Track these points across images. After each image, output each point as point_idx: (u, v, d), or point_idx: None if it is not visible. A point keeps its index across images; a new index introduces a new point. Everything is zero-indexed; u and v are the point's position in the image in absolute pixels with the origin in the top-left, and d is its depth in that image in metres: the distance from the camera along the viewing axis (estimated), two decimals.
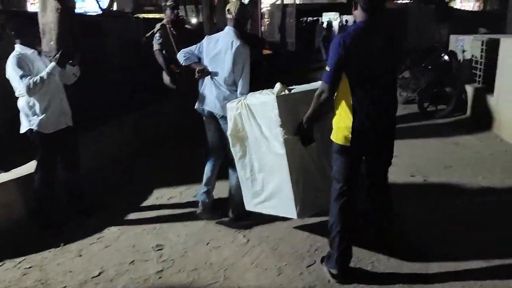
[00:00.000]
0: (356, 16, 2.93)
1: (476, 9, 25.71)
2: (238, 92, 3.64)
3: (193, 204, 4.30)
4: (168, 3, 5.78)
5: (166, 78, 5.83)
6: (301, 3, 28.44)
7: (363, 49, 2.82)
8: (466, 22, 15.50)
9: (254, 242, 3.61)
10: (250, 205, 3.71)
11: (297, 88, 3.49)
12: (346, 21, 27.17)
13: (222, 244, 3.59)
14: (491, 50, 7.25)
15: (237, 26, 3.71)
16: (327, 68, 2.85)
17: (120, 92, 6.10)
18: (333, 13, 31.21)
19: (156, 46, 5.68)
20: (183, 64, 3.94)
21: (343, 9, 30.37)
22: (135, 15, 9.73)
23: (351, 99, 2.87)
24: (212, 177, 4.03)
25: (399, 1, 23.47)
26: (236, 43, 3.61)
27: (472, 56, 8.07)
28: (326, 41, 23.45)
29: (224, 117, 3.70)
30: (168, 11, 5.76)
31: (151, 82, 6.32)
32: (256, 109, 3.36)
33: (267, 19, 20.56)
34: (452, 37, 9.72)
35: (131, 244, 3.63)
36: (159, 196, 4.58)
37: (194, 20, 17.16)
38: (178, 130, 6.07)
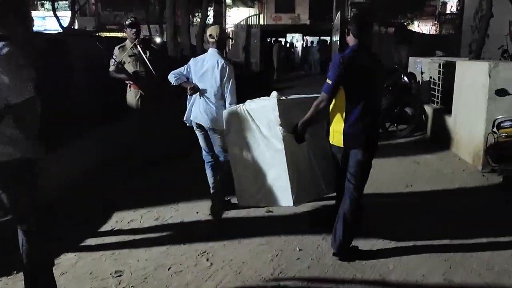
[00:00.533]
0: (349, 41, 3.51)
1: (432, 32, 26.76)
2: (227, 103, 4.16)
3: (155, 228, 4.19)
4: (127, 22, 5.70)
5: (129, 98, 5.73)
6: (265, 24, 28.89)
7: (357, 67, 3.37)
8: (424, 45, 16.08)
9: (217, 265, 3.53)
10: (244, 199, 4.17)
11: (289, 97, 4.09)
12: (312, 42, 27.73)
13: (184, 268, 3.49)
14: (448, 73, 7.49)
15: (219, 47, 4.32)
16: (328, 81, 3.35)
17: (84, 110, 5.97)
18: (297, 34, 31.85)
19: (112, 68, 5.60)
20: (174, 84, 4.36)
21: (306, 31, 31.12)
22: (97, 34, 9.61)
23: (345, 108, 3.40)
24: (215, 176, 4.44)
25: None
26: (221, 61, 4.18)
27: (431, 78, 8.32)
28: (285, 61, 23.91)
29: (212, 129, 4.24)
30: (128, 30, 5.67)
31: (115, 100, 6.18)
32: (255, 112, 3.89)
33: (231, 40, 20.70)
34: (411, 60, 10.01)
35: (89, 270, 3.47)
36: (119, 219, 4.42)
37: (158, 40, 17.10)
38: (140, 150, 5.93)
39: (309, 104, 3.51)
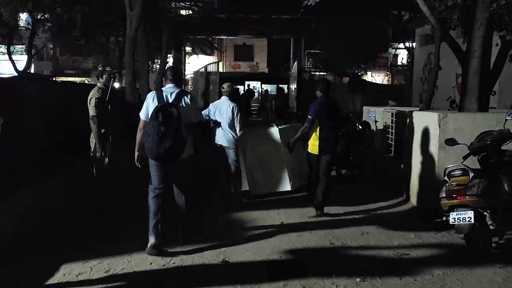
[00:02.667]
0: (318, 94, 6.09)
1: (385, 82, 27.96)
2: (237, 130, 6.33)
3: (105, 280, 3.99)
4: (107, 69, 5.90)
5: (97, 146, 5.65)
6: (224, 71, 29.39)
7: (324, 108, 5.94)
8: (377, 94, 16.70)
9: None
10: (257, 190, 6.76)
11: (281, 126, 7.19)
12: (266, 90, 28.43)
13: None
14: (400, 122, 7.75)
15: (229, 95, 6.53)
16: (309, 116, 5.90)
17: (38, 156, 5.81)
18: (255, 82, 32.55)
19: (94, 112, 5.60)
20: (203, 120, 5.93)
21: (264, 79, 31.89)
22: (53, 78, 9.47)
23: (319, 131, 5.91)
24: (229, 186, 6.54)
25: (317, 73, 24.97)
26: (232, 104, 6.41)
27: (384, 126, 8.57)
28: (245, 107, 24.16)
29: (228, 147, 6.34)
30: (105, 76, 5.82)
31: (71, 145, 6.06)
32: (263, 136, 6.80)
33: (190, 86, 20.86)
34: (365, 108, 10.31)
35: None
36: (67, 272, 4.16)
37: (117, 85, 16.99)
38: (92, 198, 5.75)
39: (296, 129, 6.36)
